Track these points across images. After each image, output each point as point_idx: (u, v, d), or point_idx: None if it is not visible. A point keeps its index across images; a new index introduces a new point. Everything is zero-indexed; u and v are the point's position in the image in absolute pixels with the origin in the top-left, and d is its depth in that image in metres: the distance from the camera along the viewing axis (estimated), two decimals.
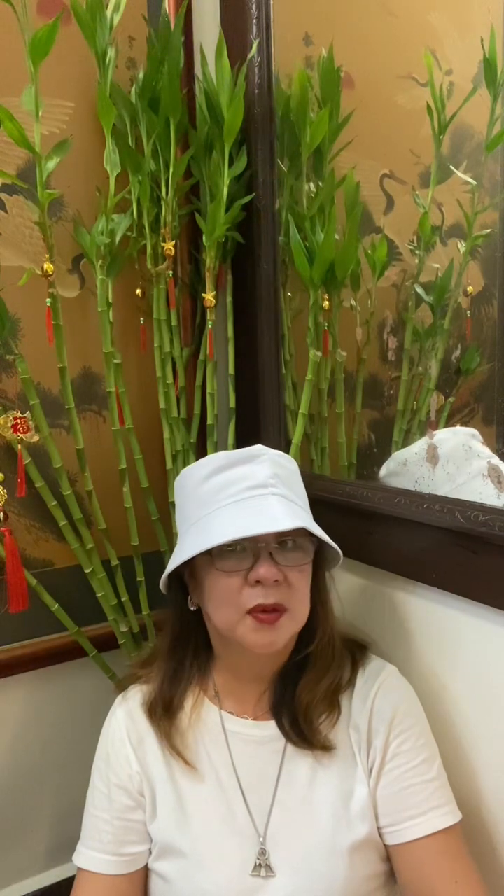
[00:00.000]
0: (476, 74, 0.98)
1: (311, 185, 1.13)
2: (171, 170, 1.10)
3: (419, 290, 1.10)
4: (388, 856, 0.81)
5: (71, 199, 1.12)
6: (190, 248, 1.23)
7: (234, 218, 1.12)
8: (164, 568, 0.82)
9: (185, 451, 1.19)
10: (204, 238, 1.12)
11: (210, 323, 1.15)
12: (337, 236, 1.06)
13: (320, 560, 0.83)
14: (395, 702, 0.83)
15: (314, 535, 0.77)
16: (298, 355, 1.18)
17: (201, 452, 1.20)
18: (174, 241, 1.14)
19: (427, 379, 1.10)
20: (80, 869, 0.84)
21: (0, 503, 1.07)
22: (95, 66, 1.04)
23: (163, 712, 0.85)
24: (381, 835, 0.80)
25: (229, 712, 0.86)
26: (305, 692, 0.83)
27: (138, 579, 1.18)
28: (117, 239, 1.09)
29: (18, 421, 1.06)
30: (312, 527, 0.77)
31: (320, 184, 1.12)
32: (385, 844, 0.80)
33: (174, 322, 1.17)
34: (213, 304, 1.14)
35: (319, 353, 1.06)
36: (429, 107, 1.03)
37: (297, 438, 1.06)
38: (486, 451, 0.94)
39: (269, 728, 0.84)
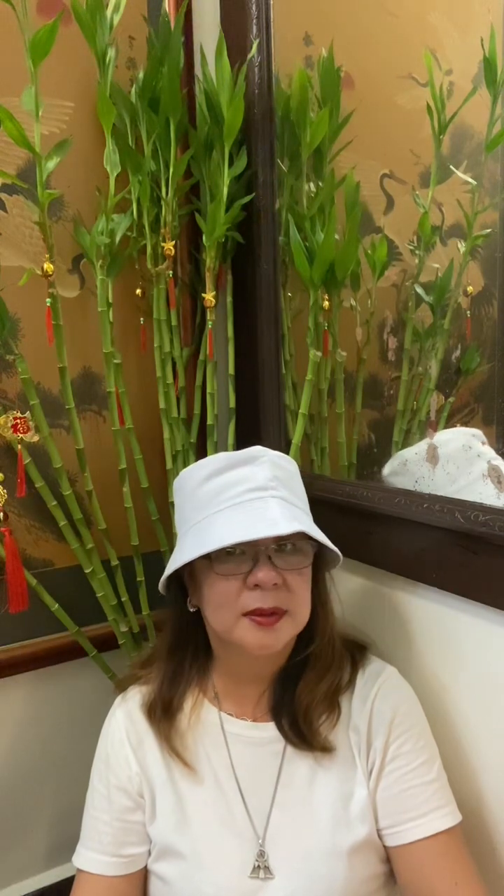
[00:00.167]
0: (476, 74, 0.98)
1: (311, 185, 1.13)
2: (171, 170, 1.10)
3: (419, 290, 1.10)
4: (388, 857, 0.81)
5: (71, 199, 1.12)
6: (190, 248, 1.23)
7: (234, 218, 1.12)
8: (164, 568, 0.82)
9: (185, 451, 1.19)
10: (204, 238, 1.12)
11: (210, 323, 1.15)
12: (337, 236, 1.06)
13: (320, 561, 0.83)
14: (394, 703, 0.83)
15: (314, 537, 0.77)
16: (298, 355, 1.18)
17: (201, 452, 1.20)
18: (174, 241, 1.14)
19: (427, 379, 1.10)
20: (79, 870, 0.84)
21: (0, 503, 1.07)
22: (95, 66, 1.04)
23: (162, 713, 0.84)
24: (380, 836, 0.80)
25: (229, 714, 0.86)
26: (305, 693, 0.82)
27: (138, 579, 1.18)
28: (117, 239, 1.09)
29: (18, 421, 1.06)
30: (312, 530, 0.77)
31: (320, 184, 1.12)
32: (385, 846, 0.80)
33: (174, 322, 1.17)
34: (213, 304, 1.14)
35: (319, 353, 1.06)
36: (429, 107, 1.02)
37: (297, 438, 1.06)
38: (490, 451, 0.94)
39: (269, 729, 0.84)
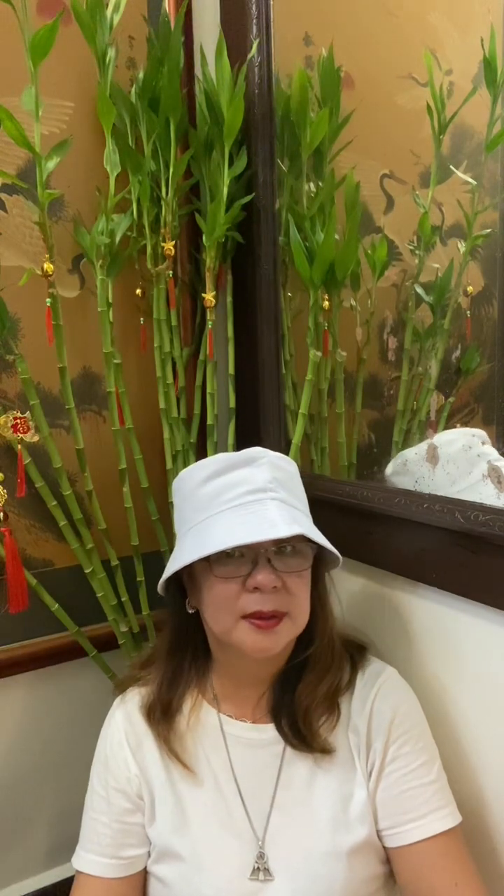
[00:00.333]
0: (476, 74, 0.98)
1: (311, 185, 1.13)
2: (171, 170, 1.10)
3: (419, 290, 1.10)
4: (388, 858, 0.81)
5: (71, 199, 1.12)
6: (190, 248, 1.23)
7: (234, 218, 1.12)
8: (164, 568, 0.82)
9: (185, 451, 1.19)
10: (204, 238, 1.12)
11: (210, 323, 1.15)
12: (337, 236, 1.06)
13: (320, 562, 0.83)
14: (394, 704, 0.83)
15: (313, 540, 0.77)
16: (298, 355, 1.18)
17: (201, 452, 1.20)
18: (174, 241, 1.14)
19: (427, 379, 1.10)
20: (78, 872, 0.84)
21: (0, 503, 1.07)
22: (95, 66, 1.04)
23: (161, 715, 0.84)
24: (380, 837, 0.80)
25: (228, 715, 0.86)
26: (305, 695, 0.82)
27: (138, 579, 1.18)
28: (117, 239, 1.09)
29: (18, 421, 1.06)
30: (311, 532, 0.76)
31: (320, 184, 1.12)
32: (385, 847, 0.80)
33: (174, 322, 1.17)
34: (213, 304, 1.14)
35: (319, 353, 1.06)
36: (429, 107, 1.02)
37: (297, 438, 1.06)
38: (492, 451, 0.93)
39: (268, 731, 0.84)
